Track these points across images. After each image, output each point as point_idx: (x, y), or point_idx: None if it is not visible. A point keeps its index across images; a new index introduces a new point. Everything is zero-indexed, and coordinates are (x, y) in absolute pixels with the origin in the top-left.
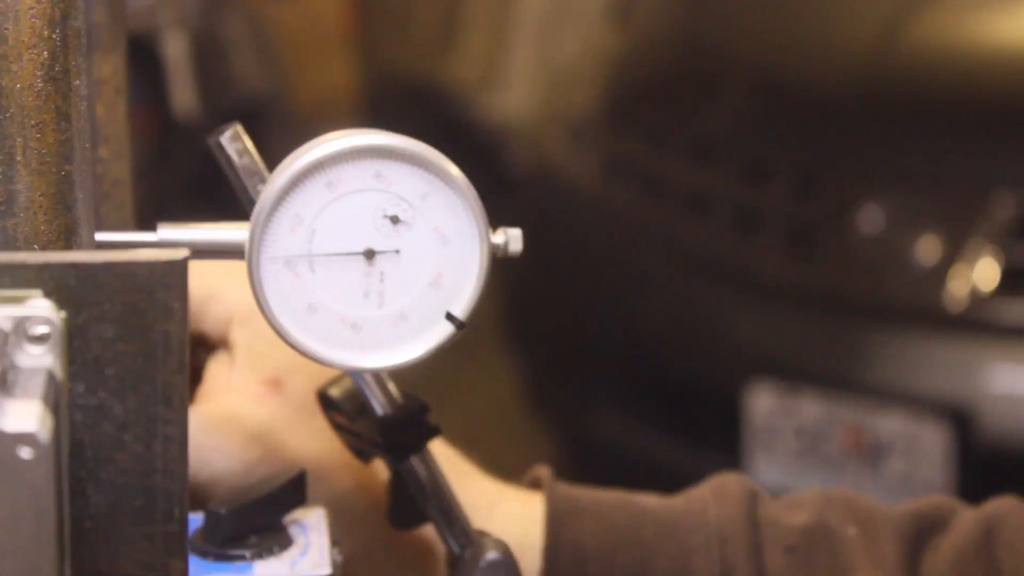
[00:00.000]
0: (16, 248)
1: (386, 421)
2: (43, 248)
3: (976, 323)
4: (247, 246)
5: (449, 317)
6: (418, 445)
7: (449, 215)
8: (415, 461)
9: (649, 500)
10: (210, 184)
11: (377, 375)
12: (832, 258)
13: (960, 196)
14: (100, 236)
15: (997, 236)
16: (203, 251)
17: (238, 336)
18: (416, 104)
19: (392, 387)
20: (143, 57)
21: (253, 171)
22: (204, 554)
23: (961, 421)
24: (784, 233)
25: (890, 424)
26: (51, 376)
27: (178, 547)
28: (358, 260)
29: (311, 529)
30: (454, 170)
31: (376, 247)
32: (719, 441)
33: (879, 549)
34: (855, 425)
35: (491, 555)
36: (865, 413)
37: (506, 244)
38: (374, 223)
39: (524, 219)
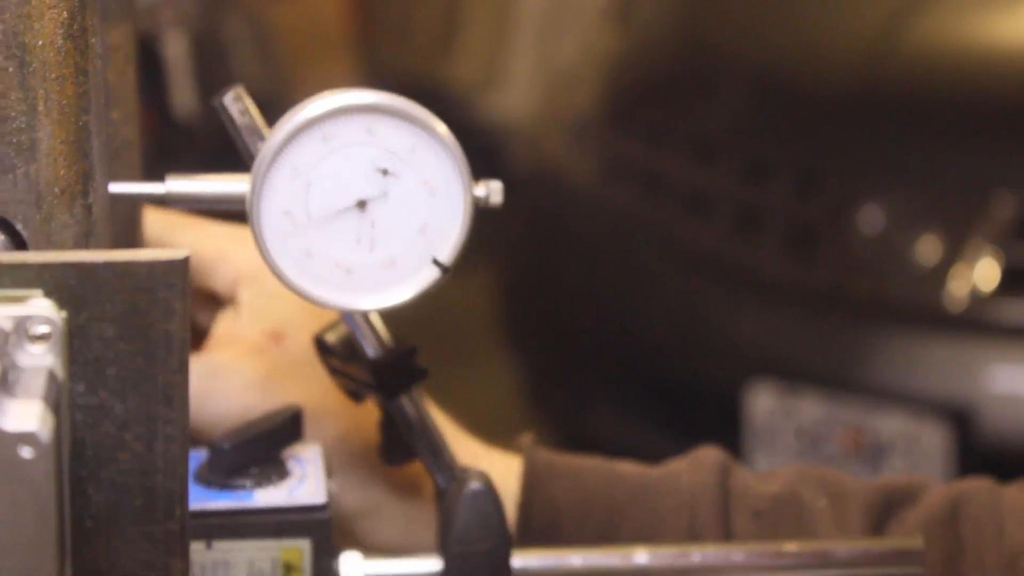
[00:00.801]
0: (40, 191)
1: (377, 363)
2: (66, 193)
3: (976, 323)
4: (248, 196)
5: (435, 262)
6: (407, 385)
7: (435, 168)
8: (404, 401)
9: (626, 467)
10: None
11: (368, 320)
12: (832, 258)
13: (960, 196)
14: (113, 187)
15: (997, 236)
16: (209, 201)
17: (244, 294)
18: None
19: (382, 332)
20: (143, 57)
21: (253, 129)
22: (208, 484)
23: (961, 421)
24: (784, 233)
25: (890, 424)
26: (52, 376)
27: (179, 546)
28: (351, 209)
29: (308, 462)
30: (440, 126)
31: (367, 197)
32: (719, 441)
33: (846, 519)
34: (855, 425)
35: (474, 485)
36: (865, 413)
37: (488, 196)
38: (366, 175)
39: (524, 219)
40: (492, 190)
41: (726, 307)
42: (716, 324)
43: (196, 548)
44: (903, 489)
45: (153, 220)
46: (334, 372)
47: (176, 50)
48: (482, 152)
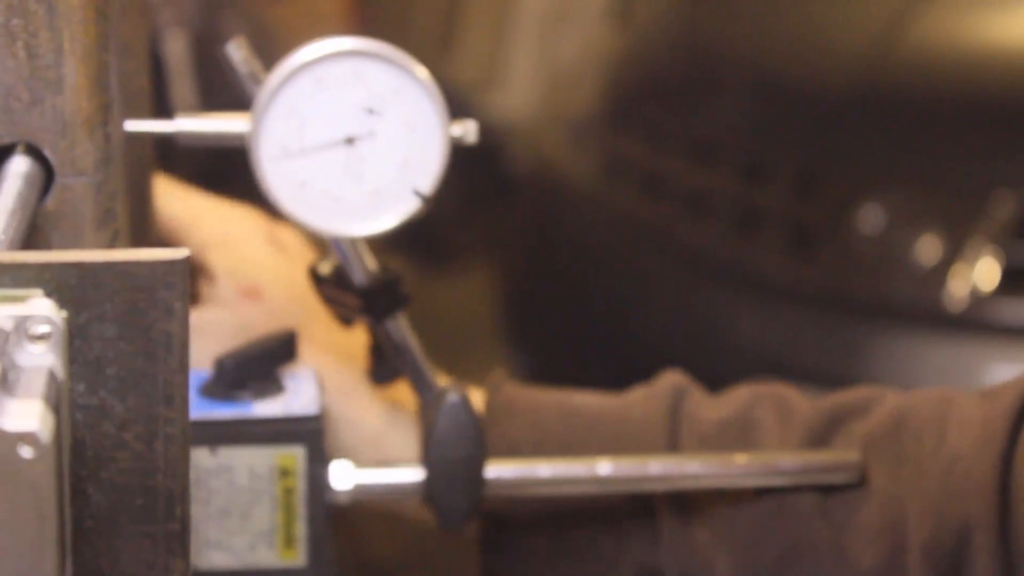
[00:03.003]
0: (66, 121)
1: (365, 289)
2: (88, 123)
3: (976, 323)
4: (248, 133)
5: (416, 193)
6: (393, 309)
7: (416, 108)
8: (390, 325)
9: (586, 398)
10: (210, 183)
11: (356, 251)
12: (832, 258)
13: (960, 196)
14: (128, 124)
15: (997, 236)
16: (214, 138)
17: (215, 258)
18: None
19: (370, 261)
20: None
21: (253, 74)
22: (212, 397)
23: None
24: (784, 233)
25: None
26: (52, 375)
27: (179, 546)
28: (340, 145)
29: (302, 380)
30: (420, 71)
31: (355, 134)
32: None
33: (791, 433)
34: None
35: (452, 397)
36: None
37: (464, 135)
38: (353, 114)
39: (524, 219)
40: (468, 130)
41: (726, 307)
42: (716, 324)
43: (201, 454)
44: (855, 403)
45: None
46: (327, 299)
47: (176, 50)
48: (482, 152)
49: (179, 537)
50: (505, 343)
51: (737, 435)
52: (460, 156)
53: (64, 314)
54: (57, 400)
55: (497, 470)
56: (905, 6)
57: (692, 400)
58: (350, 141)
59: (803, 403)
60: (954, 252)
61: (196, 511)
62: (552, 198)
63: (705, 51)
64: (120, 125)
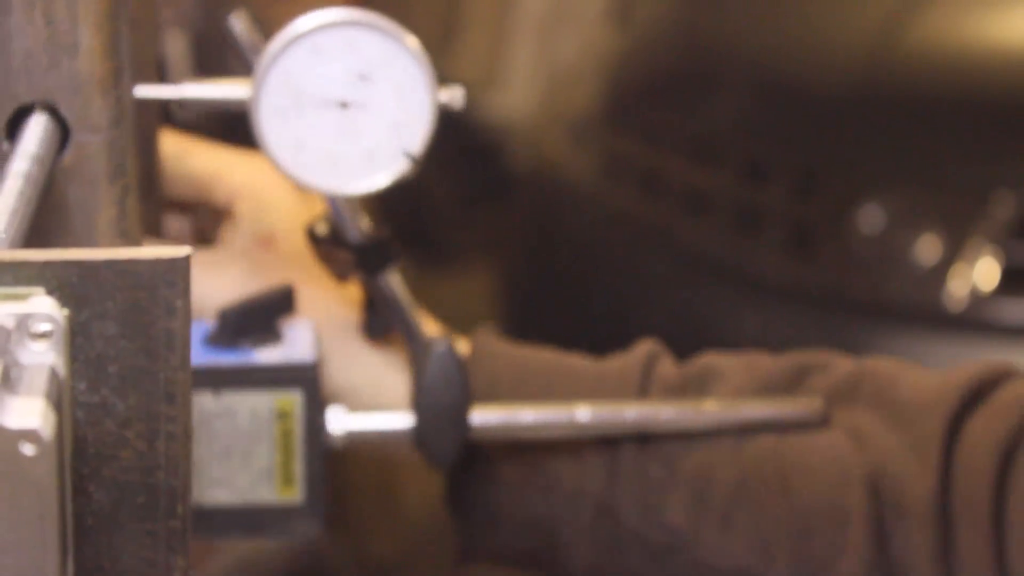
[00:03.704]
0: (81, 82)
1: (359, 246)
2: (101, 84)
3: (976, 323)
4: (250, 99)
5: (406, 155)
6: (385, 265)
7: (405, 75)
8: (382, 282)
9: (569, 357)
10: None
11: (351, 210)
12: (832, 258)
13: (960, 196)
14: (138, 90)
15: (997, 236)
16: (218, 104)
17: (240, 207)
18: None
19: (363, 220)
20: None
21: (254, 44)
22: (216, 345)
23: None
24: (784, 233)
25: None
26: (54, 373)
27: (180, 544)
28: (334, 109)
29: (300, 331)
30: (411, 40)
31: (348, 99)
32: None
33: (753, 383)
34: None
35: (440, 347)
36: None
37: (450, 101)
38: (347, 79)
39: (524, 219)
40: (454, 96)
41: (726, 307)
42: (716, 324)
43: (206, 398)
44: (814, 361)
45: (167, 143)
46: (323, 257)
47: (176, 50)
48: (482, 152)
49: (180, 535)
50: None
51: (699, 384)
52: (460, 156)
53: (65, 312)
54: (59, 398)
55: (482, 416)
56: (905, 6)
57: (664, 361)
58: (344, 105)
59: (767, 359)
60: (954, 252)
61: (201, 451)
62: (552, 198)
63: (705, 51)
64: (130, 89)
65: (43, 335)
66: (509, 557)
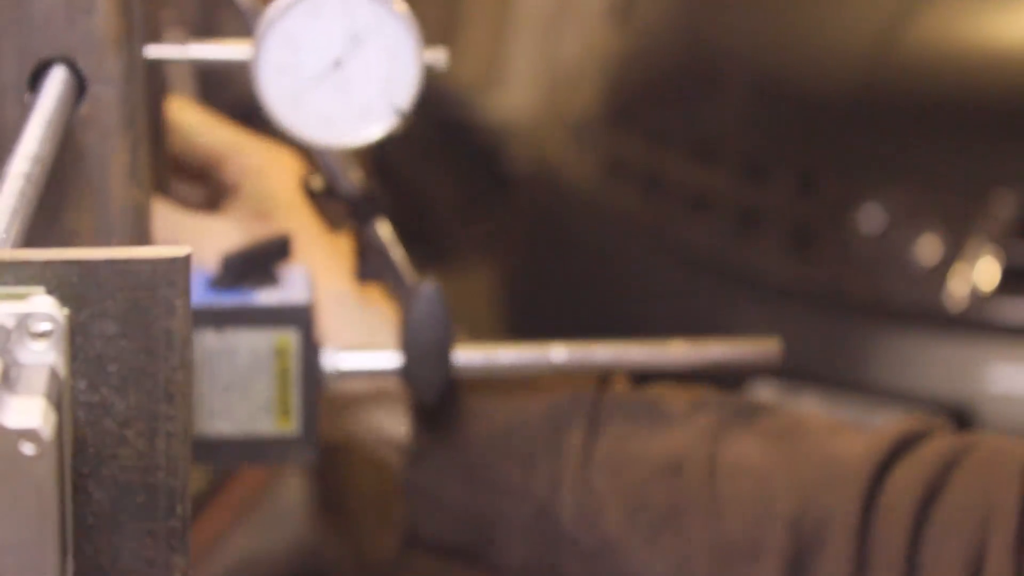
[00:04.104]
0: (96, 39)
1: (350, 198)
2: (115, 41)
3: (976, 323)
4: (251, 58)
5: (395, 110)
6: (375, 213)
7: (394, 35)
8: (373, 230)
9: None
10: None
11: (342, 164)
12: (832, 258)
13: (960, 196)
14: (148, 49)
15: (997, 236)
16: (222, 64)
17: (246, 183)
18: (416, 104)
19: (354, 174)
20: None
21: (255, 8)
22: (218, 288)
23: (961, 421)
24: (784, 233)
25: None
26: (53, 373)
27: (180, 543)
28: (329, 68)
29: (296, 275)
30: (399, 4)
31: (342, 58)
32: None
33: (698, 418)
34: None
35: (426, 289)
36: (865, 412)
37: (435, 62)
38: (342, 40)
39: (524, 219)
40: (438, 58)
41: (726, 307)
42: (716, 324)
43: (209, 336)
44: (761, 405)
45: (190, 115)
46: (318, 208)
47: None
48: (482, 152)
49: (180, 534)
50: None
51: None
52: (460, 156)
53: (65, 311)
54: (58, 397)
55: (465, 355)
56: (905, 6)
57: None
58: (338, 64)
59: (715, 396)
60: (954, 252)
61: (204, 386)
62: (552, 198)
63: (705, 51)
64: (140, 48)
65: (43, 334)
66: (448, 549)
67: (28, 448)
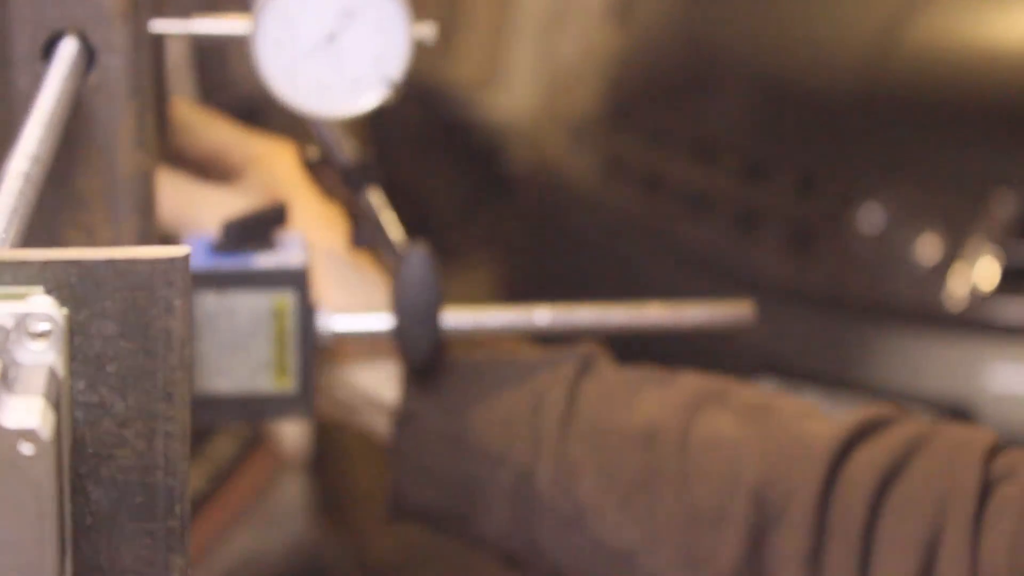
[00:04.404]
0: (105, 11)
1: (345, 166)
2: (122, 13)
3: (976, 323)
4: (250, 33)
5: (387, 82)
6: (369, 181)
7: (385, 12)
8: (365, 198)
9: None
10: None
11: (337, 135)
12: (832, 258)
13: (960, 196)
14: (152, 24)
15: (997, 236)
16: (222, 38)
17: (250, 170)
18: (416, 104)
19: (348, 144)
20: None
21: None
22: (218, 252)
23: (961, 420)
24: (784, 233)
25: None
26: (52, 373)
27: (179, 543)
28: (323, 41)
29: (293, 241)
30: None
31: (336, 32)
32: None
33: (672, 398)
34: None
35: (416, 252)
36: None
37: (424, 37)
38: (335, 16)
39: (524, 219)
40: (427, 32)
41: None
42: None
43: (210, 298)
44: (731, 385)
45: (185, 114)
46: (314, 177)
47: (176, 50)
48: (482, 152)
49: (179, 534)
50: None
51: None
52: (460, 156)
53: (64, 311)
54: (57, 397)
55: (454, 317)
56: (905, 6)
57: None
58: (332, 38)
59: (691, 374)
60: (954, 252)
61: (205, 345)
62: (552, 198)
63: (705, 51)
64: (146, 21)
65: (42, 334)
66: (432, 515)
67: (27, 448)
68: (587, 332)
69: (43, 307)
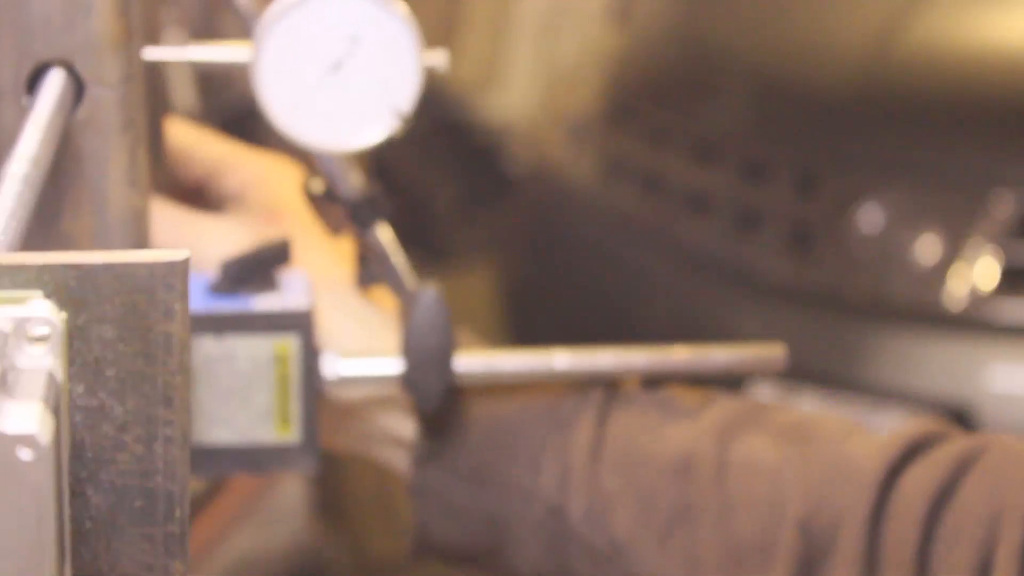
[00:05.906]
0: (95, 41)
1: (351, 202)
2: (113, 43)
3: (976, 323)
4: (250, 60)
5: (395, 113)
6: (376, 218)
7: (394, 38)
8: (373, 235)
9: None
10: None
11: (343, 168)
12: (832, 258)
13: (960, 196)
14: (146, 51)
15: (997, 236)
16: (222, 65)
17: (249, 194)
18: (416, 106)
19: (355, 177)
20: None
21: (253, 11)
22: (217, 293)
23: (961, 421)
24: (784, 233)
25: (890, 423)
26: (51, 377)
27: (179, 548)
28: (329, 70)
29: (295, 280)
30: (399, 7)
31: (341, 61)
32: None
33: (705, 416)
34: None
35: (427, 294)
36: (865, 412)
37: (436, 64)
38: (341, 43)
39: (524, 219)
40: (439, 59)
41: (726, 307)
42: (716, 324)
43: (208, 342)
44: (766, 406)
45: (180, 133)
46: (318, 213)
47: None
48: (482, 152)
49: (178, 539)
50: (505, 343)
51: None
52: (460, 156)
53: (63, 315)
54: (56, 402)
55: (466, 362)
56: (905, 6)
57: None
58: (337, 66)
59: (724, 397)
60: (954, 252)
61: (203, 393)
62: (552, 198)
63: (705, 51)
64: (139, 49)
65: (40, 339)
66: (459, 552)
67: (25, 453)
68: (608, 377)
69: (42, 311)
